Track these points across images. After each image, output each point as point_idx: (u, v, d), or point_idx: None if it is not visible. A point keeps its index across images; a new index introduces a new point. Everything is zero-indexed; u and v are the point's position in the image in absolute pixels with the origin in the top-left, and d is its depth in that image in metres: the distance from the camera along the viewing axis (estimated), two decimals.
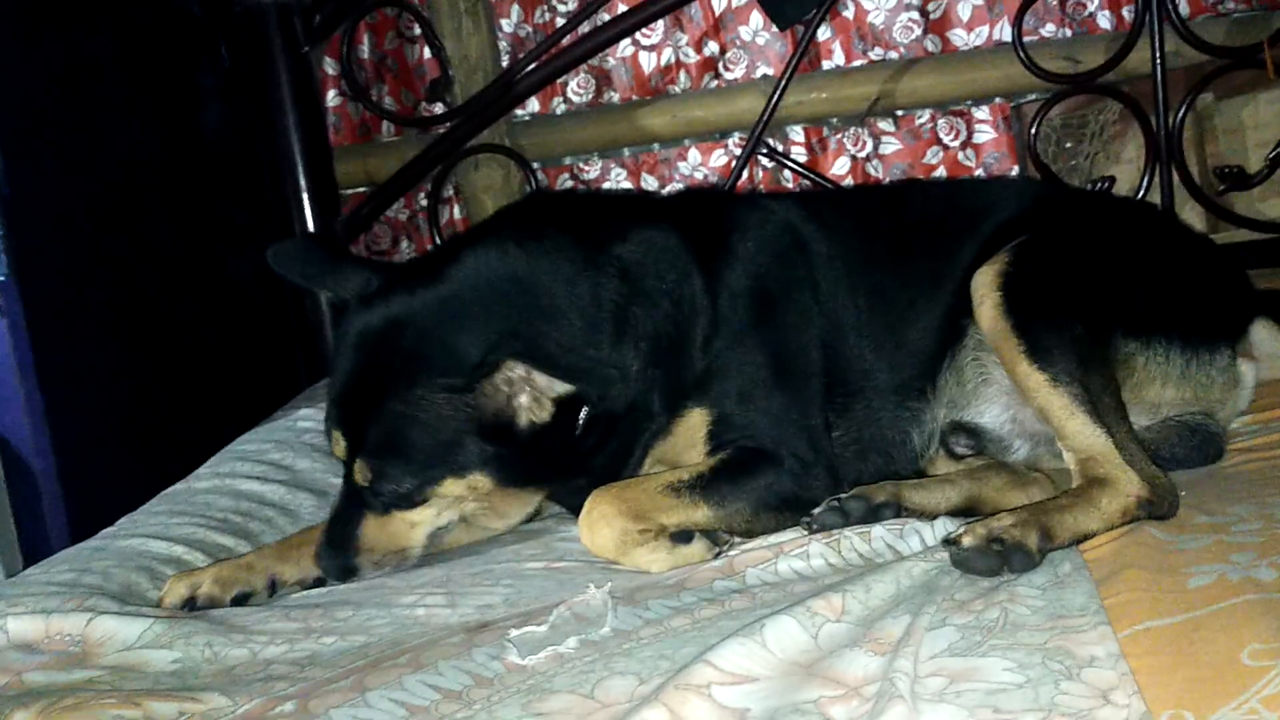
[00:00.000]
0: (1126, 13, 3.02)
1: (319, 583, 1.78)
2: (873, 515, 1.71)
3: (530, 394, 1.67)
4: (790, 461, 1.79)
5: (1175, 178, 2.79)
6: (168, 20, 3.07)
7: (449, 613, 1.55)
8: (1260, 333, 1.99)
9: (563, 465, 1.78)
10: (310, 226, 3.11)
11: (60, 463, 2.48)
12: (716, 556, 1.66)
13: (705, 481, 1.74)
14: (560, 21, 3.24)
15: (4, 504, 2.45)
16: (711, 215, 2.01)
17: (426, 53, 3.29)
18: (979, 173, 3.21)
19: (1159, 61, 2.74)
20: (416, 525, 1.76)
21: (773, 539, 1.67)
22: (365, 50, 3.42)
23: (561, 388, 1.65)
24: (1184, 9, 2.91)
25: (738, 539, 1.70)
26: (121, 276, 2.81)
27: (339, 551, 1.73)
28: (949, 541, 1.52)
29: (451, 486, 1.71)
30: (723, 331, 1.86)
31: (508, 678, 1.34)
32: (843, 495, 1.75)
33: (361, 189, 3.38)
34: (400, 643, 1.47)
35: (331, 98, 3.46)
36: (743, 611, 1.42)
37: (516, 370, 1.64)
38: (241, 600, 1.72)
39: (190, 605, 1.68)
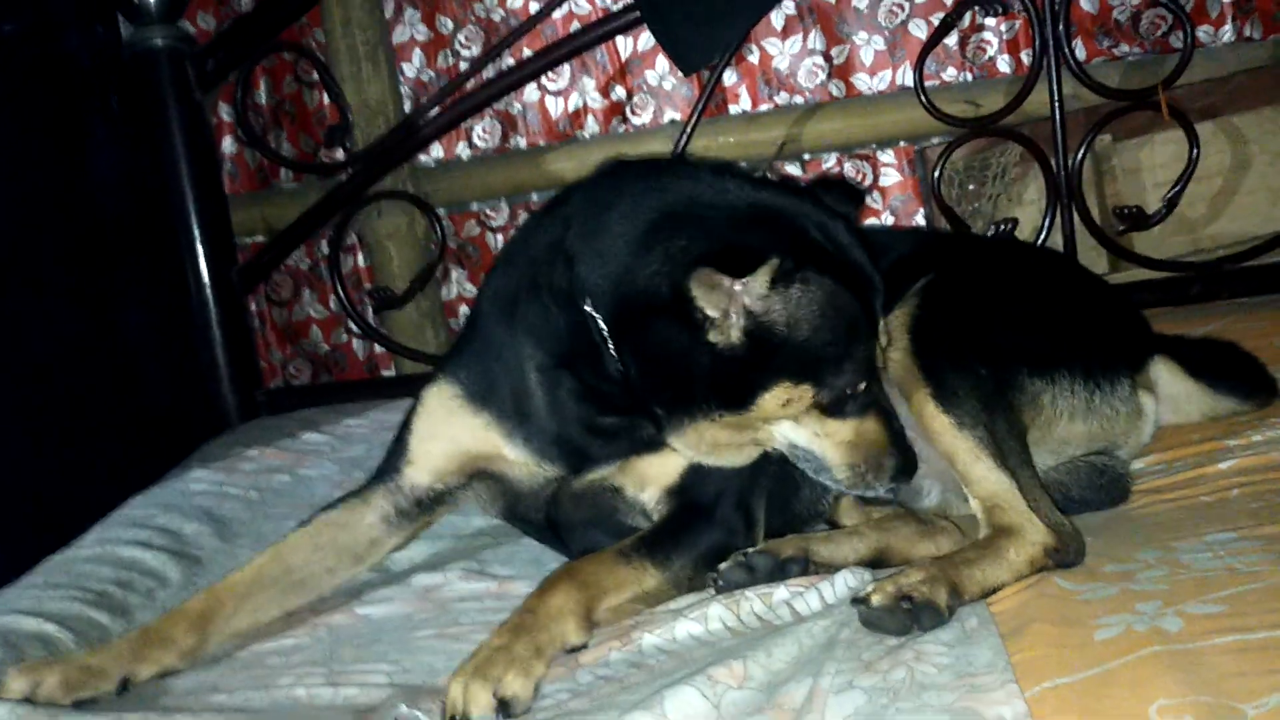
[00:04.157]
0: (1025, 57, 3.07)
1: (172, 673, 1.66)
2: (780, 571, 1.66)
3: None
4: (725, 512, 1.75)
5: (1076, 218, 2.82)
6: (53, 67, 2.96)
7: (331, 692, 1.46)
8: (1160, 372, 2.01)
9: None
10: (205, 276, 3.00)
11: None
12: None
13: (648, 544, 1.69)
14: (464, 66, 3.20)
15: None
16: None
17: (326, 98, 3.22)
18: (886, 214, 3.23)
19: (1057, 104, 2.78)
20: None
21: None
22: (262, 96, 3.34)
23: None
24: (1080, 53, 2.97)
25: None
26: (2, 330, 2.68)
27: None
28: (858, 600, 1.49)
29: None
30: None
31: None
32: (749, 550, 1.70)
33: (260, 238, 3.29)
34: None
35: (228, 144, 3.37)
36: (641, 685, 1.36)
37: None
38: (84, 703, 1.56)
39: (27, 703, 1.54)
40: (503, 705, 1.37)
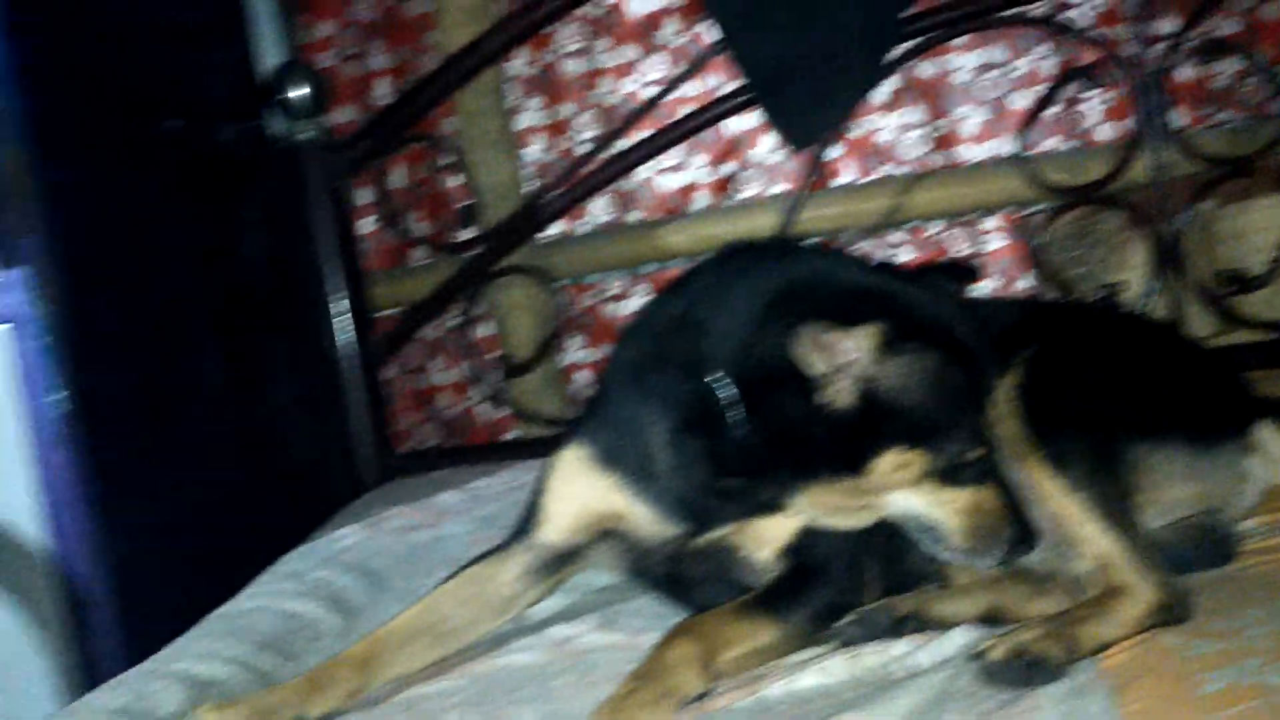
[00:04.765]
0: (1126, 124, 3.14)
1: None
2: (896, 628, 1.76)
3: None
4: (837, 571, 1.85)
5: (1181, 282, 2.86)
6: (211, 158, 3.25)
7: None
8: (1265, 434, 2.04)
9: None
10: (347, 347, 3.21)
11: (118, 585, 2.56)
12: None
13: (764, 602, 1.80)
14: (582, 148, 3.39)
15: (59, 627, 2.53)
16: None
17: (454, 180, 3.44)
18: (993, 279, 3.31)
19: (1158, 173, 2.84)
20: None
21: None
22: (399, 179, 3.58)
23: None
24: (1183, 119, 3.03)
25: None
26: (173, 400, 2.93)
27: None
28: (977, 655, 1.58)
29: None
30: None
31: None
32: (868, 607, 1.80)
33: (393, 310, 3.51)
34: None
35: (365, 224, 3.62)
36: None
37: None
38: None
39: None
40: None
